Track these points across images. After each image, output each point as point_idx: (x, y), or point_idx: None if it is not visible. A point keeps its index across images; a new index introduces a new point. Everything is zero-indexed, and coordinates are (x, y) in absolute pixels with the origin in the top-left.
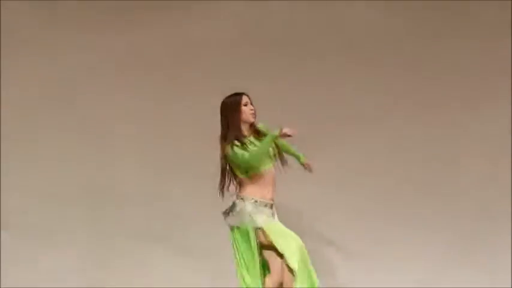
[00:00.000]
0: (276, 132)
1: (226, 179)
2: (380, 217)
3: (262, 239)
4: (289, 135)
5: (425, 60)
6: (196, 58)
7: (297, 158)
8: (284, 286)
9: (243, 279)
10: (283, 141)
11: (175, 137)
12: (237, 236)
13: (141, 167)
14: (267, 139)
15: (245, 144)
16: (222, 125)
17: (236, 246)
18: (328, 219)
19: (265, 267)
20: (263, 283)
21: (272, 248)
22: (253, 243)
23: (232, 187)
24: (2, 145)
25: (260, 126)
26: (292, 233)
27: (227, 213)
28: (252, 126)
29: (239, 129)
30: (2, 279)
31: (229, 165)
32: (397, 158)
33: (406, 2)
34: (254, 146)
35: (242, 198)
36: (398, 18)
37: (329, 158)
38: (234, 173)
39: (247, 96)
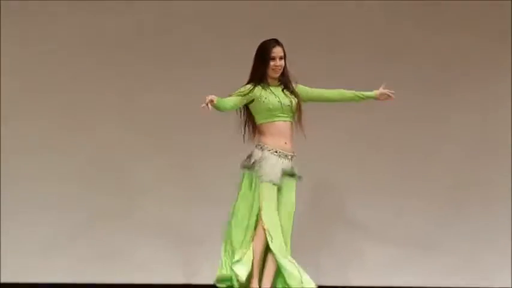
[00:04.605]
0: (372, 94)
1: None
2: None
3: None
4: (386, 98)
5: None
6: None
7: (365, 98)
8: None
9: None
10: (312, 90)
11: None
12: (244, 181)
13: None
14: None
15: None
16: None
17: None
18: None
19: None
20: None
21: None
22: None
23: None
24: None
25: (299, 86)
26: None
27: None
28: (279, 79)
29: (261, 77)
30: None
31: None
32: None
33: None
34: (268, 94)
35: (260, 147)
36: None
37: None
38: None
39: (281, 47)
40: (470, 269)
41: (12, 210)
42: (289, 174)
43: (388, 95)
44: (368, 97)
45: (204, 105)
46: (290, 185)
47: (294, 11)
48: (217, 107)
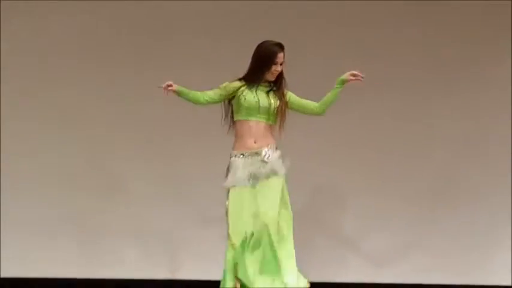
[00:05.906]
0: (344, 77)
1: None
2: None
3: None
4: (356, 79)
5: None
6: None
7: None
8: None
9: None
10: (298, 99)
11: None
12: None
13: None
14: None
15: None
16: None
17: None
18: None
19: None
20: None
21: None
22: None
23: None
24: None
25: (289, 93)
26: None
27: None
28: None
29: (257, 79)
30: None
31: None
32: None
33: None
34: (248, 92)
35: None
36: None
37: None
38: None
39: (283, 52)
40: (463, 267)
41: (11, 208)
42: (263, 174)
43: (356, 75)
44: (336, 94)
45: (160, 86)
46: (272, 184)
47: (290, 11)
48: (190, 100)
